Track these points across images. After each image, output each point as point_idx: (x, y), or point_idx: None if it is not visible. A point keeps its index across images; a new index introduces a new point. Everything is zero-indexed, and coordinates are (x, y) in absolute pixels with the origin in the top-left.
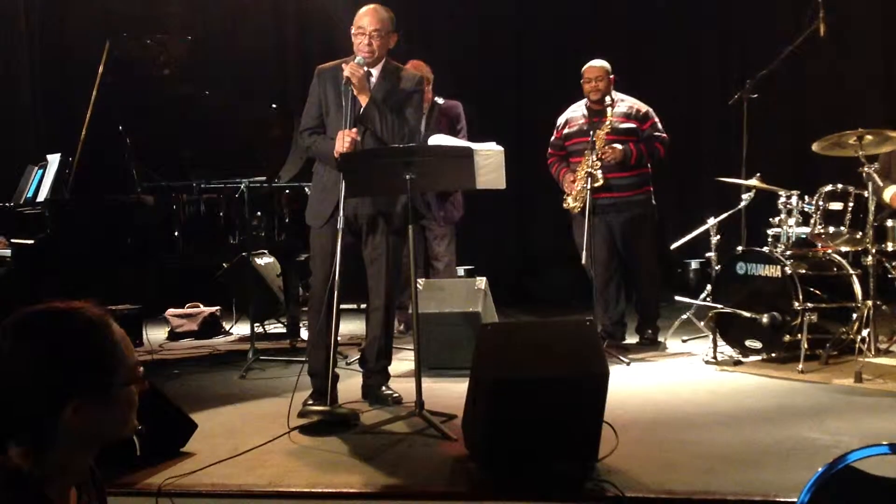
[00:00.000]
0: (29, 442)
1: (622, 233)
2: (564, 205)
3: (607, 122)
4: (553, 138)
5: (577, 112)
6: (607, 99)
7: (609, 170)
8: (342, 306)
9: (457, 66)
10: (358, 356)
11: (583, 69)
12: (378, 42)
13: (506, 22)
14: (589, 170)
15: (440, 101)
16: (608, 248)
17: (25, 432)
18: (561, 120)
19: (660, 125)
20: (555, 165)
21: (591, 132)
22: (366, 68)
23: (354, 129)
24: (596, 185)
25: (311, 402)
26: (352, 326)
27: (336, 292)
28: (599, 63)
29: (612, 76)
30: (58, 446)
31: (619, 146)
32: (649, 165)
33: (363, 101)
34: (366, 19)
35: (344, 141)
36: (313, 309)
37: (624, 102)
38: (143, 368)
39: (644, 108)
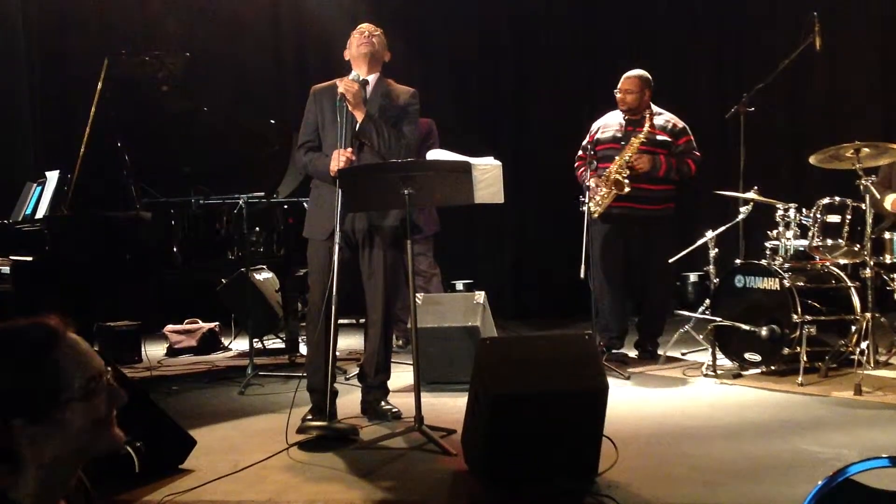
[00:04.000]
0: (5, 463)
1: (639, 245)
2: (590, 207)
3: (644, 132)
4: (585, 142)
5: (613, 119)
6: (651, 109)
7: (637, 181)
8: (341, 321)
9: (455, 79)
10: (357, 371)
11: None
12: (377, 41)
13: (504, 34)
14: (616, 176)
15: None
16: (618, 260)
17: None
18: (595, 125)
19: (694, 143)
20: (581, 169)
21: (624, 140)
22: (361, 79)
23: (350, 149)
24: (623, 192)
25: (310, 417)
26: (350, 341)
27: (334, 307)
28: (635, 73)
29: (648, 89)
30: (29, 466)
31: (648, 156)
32: (675, 182)
33: (359, 116)
34: (360, 28)
35: (339, 160)
36: (312, 324)
37: (662, 116)
38: (108, 378)
39: (681, 123)
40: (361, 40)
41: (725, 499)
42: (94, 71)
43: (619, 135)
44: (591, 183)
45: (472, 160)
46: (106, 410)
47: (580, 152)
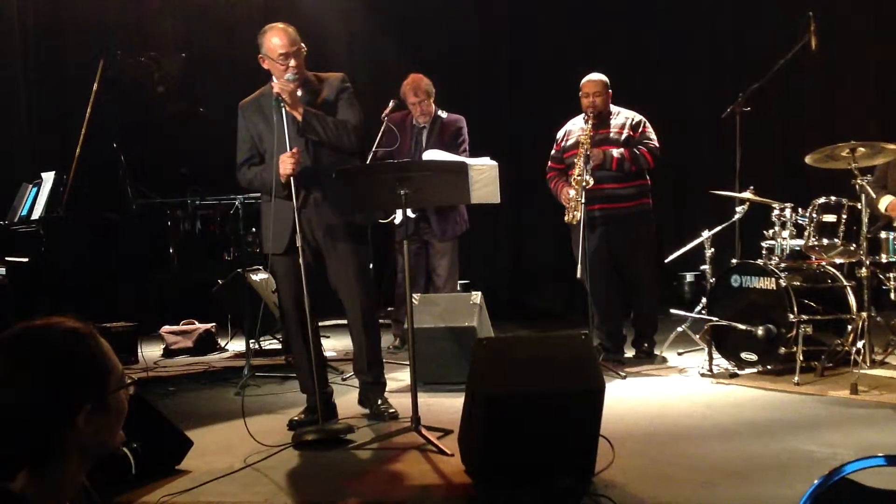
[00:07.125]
0: (33, 463)
1: (619, 245)
2: (566, 218)
3: (588, 130)
4: (553, 151)
5: (576, 125)
6: (611, 110)
7: (603, 180)
8: (332, 322)
9: (452, 79)
10: (352, 372)
11: (582, 82)
12: (300, 58)
13: (501, 33)
14: (579, 177)
15: (443, 114)
16: (606, 261)
17: (33, 453)
18: (560, 133)
19: (651, 135)
20: (553, 180)
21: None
22: (294, 78)
23: (295, 149)
24: (587, 187)
25: (303, 416)
26: (346, 342)
27: (307, 312)
28: (598, 77)
29: (610, 90)
30: (64, 463)
31: (598, 151)
32: (647, 177)
33: (298, 115)
34: (278, 42)
35: (287, 164)
36: (290, 333)
37: (621, 114)
38: (128, 375)
39: (638, 117)
40: (290, 70)
41: (722, 498)
42: (91, 72)
43: (582, 139)
44: (563, 192)
45: (468, 160)
46: (126, 406)
47: (550, 163)
